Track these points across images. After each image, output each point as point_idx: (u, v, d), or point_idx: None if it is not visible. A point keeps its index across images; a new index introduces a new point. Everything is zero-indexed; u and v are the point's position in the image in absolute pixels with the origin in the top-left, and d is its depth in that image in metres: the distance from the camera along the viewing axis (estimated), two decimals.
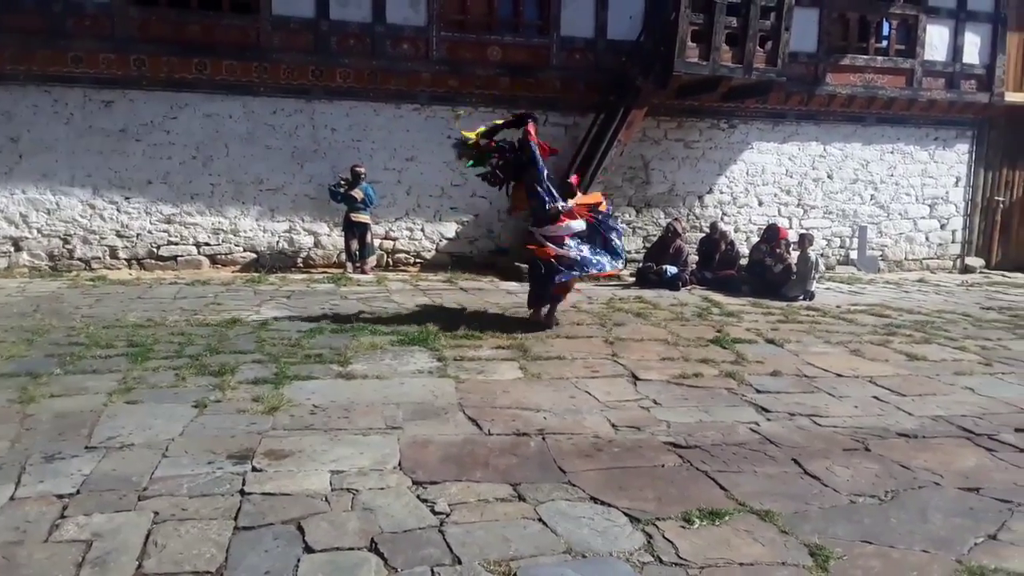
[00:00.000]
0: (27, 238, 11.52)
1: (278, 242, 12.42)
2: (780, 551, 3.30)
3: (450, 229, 13.04)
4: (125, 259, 11.91)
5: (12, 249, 11.46)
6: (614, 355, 6.85)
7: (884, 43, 14.55)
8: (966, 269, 15.30)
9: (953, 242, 15.48)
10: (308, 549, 3.19)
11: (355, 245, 12.11)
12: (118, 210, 11.80)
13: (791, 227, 14.05)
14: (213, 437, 4.44)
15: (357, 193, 11.78)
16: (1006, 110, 14.99)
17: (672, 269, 11.47)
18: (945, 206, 15.33)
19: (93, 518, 3.41)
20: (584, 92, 13.02)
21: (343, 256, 12.29)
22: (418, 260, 12.96)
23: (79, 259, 11.73)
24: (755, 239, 12.83)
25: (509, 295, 10.28)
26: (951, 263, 15.45)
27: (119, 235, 11.85)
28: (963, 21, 14.51)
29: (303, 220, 12.48)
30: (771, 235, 11.81)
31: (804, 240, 11.31)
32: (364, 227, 12.05)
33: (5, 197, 11.40)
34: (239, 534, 3.30)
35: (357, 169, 11.81)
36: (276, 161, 12.24)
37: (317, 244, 12.60)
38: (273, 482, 3.84)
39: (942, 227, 15.38)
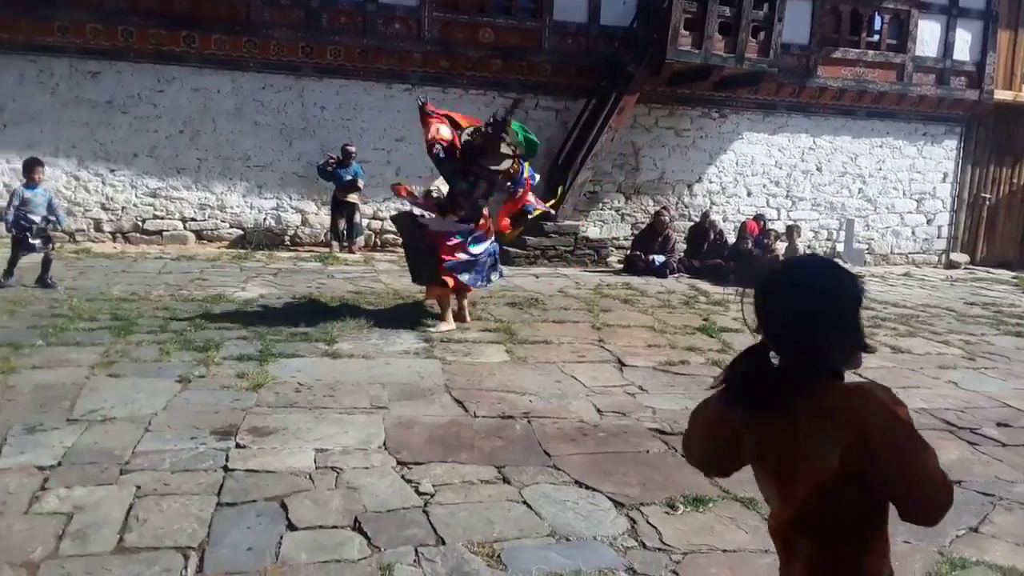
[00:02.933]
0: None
1: (265, 219, 12.33)
2: (763, 538, 3.29)
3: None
4: (110, 232, 11.79)
5: None
6: (601, 341, 6.85)
7: (876, 37, 14.57)
8: (951, 264, 15.39)
9: (939, 237, 15.57)
10: (291, 527, 3.17)
11: (343, 224, 12.03)
12: (103, 182, 11.66)
13: (779, 218, 14.11)
14: (197, 413, 4.41)
15: (360, 182, 11.69)
16: (995, 107, 15.04)
17: (660, 258, 11.48)
18: (932, 201, 15.40)
19: (74, 491, 3.38)
20: (576, 77, 12.96)
21: (330, 235, 12.21)
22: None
23: (63, 231, 11.58)
24: None
25: (499, 277, 10.24)
26: (936, 258, 15.54)
27: (104, 208, 11.72)
28: (955, 17, 14.54)
29: (291, 198, 12.39)
30: (741, 231, 12.06)
31: (792, 231, 11.36)
32: (352, 207, 11.97)
33: None
34: (222, 510, 3.28)
35: (348, 148, 11.71)
36: (264, 138, 12.13)
37: (304, 222, 12.51)
38: (256, 459, 3.82)
39: (928, 222, 15.47)
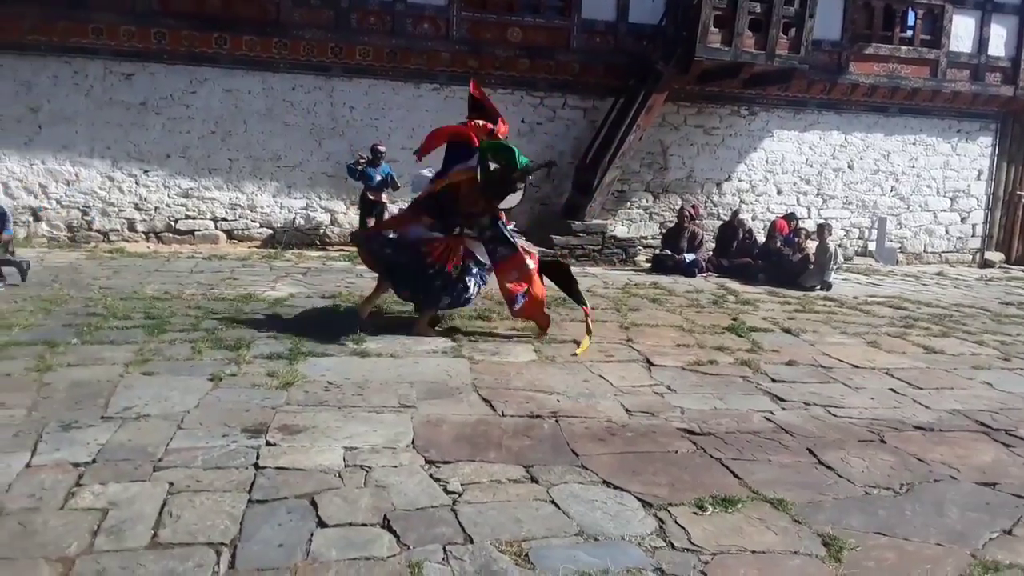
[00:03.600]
0: (46, 208, 11.58)
1: (295, 219, 12.44)
2: (793, 540, 3.29)
3: None
4: (143, 232, 11.96)
5: (31, 219, 11.52)
6: (629, 340, 6.83)
7: (909, 33, 14.39)
8: (985, 263, 15.15)
9: (973, 236, 15.34)
10: (321, 524, 3.20)
11: (371, 224, 12.08)
12: (136, 183, 11.84)
13: (809, 217, 13.98)
14: (228, 411, 4.46)
15: (394, 184, 11.65)
16: None
17: (690, 256, 11.42)
18: (966, 199, 15.17)
19: (109, 487, 3.43)
20: (604, 75, 12.92)
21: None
22: None
23: (97, 231, 11.78)
24: None
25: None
26: (971, 257, 15.31)
27: (137, 208, 11.89)
28: (989, 12, 14.30)
29: (320, 198, 12.49)
30: (770, 230, 11.95)
31: (823, 230, 11.23)
32: (381, 207, 12.02)
33: (25, 167, 11.45)
34: (253, 507, 3.31)
35: (378, 148, 11.75)
36: (294, 138, 12.24)
37: (334, 222, 12.61)
38: (287, 456, 3.85)
39: (962, 220, 15.24)
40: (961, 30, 14.25)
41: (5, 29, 11.02)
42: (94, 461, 3.70)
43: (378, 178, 11.74)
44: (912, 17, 14.41)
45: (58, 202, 11.61)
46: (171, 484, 3.49)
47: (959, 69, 14.36)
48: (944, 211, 15.13)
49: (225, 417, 4.35)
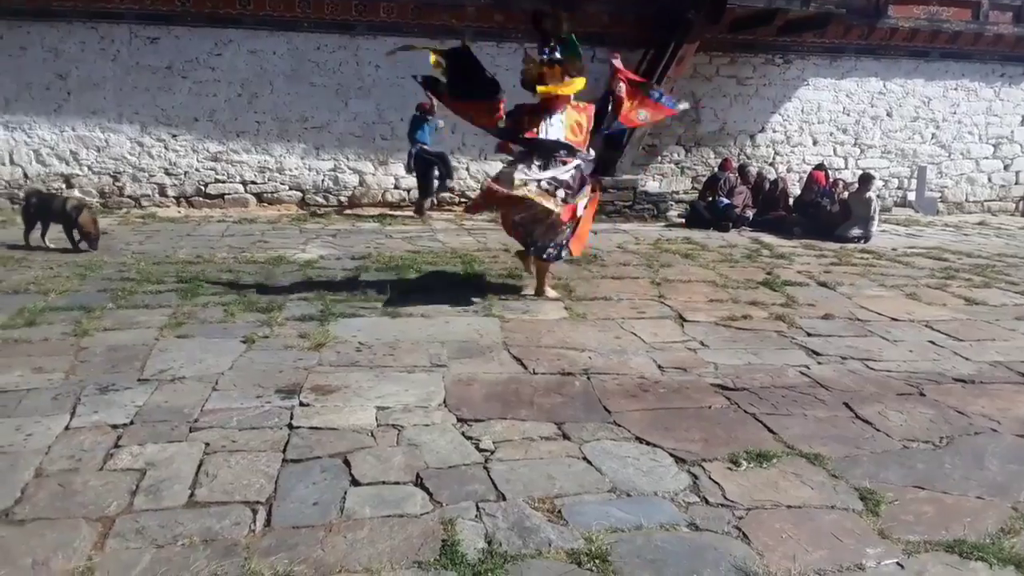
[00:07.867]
0: (78, 175, 11.68)
1: (323, 180, 12.43)
2: (830, 494, 3.25)
3: (495, 168, 12.85)
4: (173, 196, 12.03)
5: (64, 186, 11.62)
6: (661, 296, 6.76)
7: None
8: None
9: (1017, 183, 14.94)
10: (355, 482, 3.22)
11: (435, 173, 11.82)
12: (166, 148, 11.88)
13: (847, 167, 13.70)
14: (261, 372, 4.49)
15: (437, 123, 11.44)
16: None
17: (725, 200, 11.31)
18: (1010, 146, 14.75)
19: (146, 448, 3.48)
20: (633, 26, 12.64)
21: (419, 198, 11.96)
22: (463, 200, 12.87)
23: (129, 196, 11.88)
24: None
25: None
26: (1014, 206, 14.94)
27: (167, 173, 11.95)
28: None
29: (348, 159, 12.45)
30: (808, 182, 11.85)
31: (863, 180, 10.99)
32: (441, 153, 11.65)
33: (55, 134, 11.54)
34: (287, 466, 3.34)
35: (424, 105, 11.52)
36: (320, 98, 12.17)
37: (362, 183, 12.58)
38: (320, 417, 3.88)
39: (1006, 168, 14.84)
40: None
41: None
42: (132, 423, 3.74)
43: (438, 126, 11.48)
44: None
45: (89, 168, 11.70)
46: (207, 444, 3.52)
47: (1002, 11, 13.85)
48: (987, 158, 14.73)
49: (259, 378, 4.38)
